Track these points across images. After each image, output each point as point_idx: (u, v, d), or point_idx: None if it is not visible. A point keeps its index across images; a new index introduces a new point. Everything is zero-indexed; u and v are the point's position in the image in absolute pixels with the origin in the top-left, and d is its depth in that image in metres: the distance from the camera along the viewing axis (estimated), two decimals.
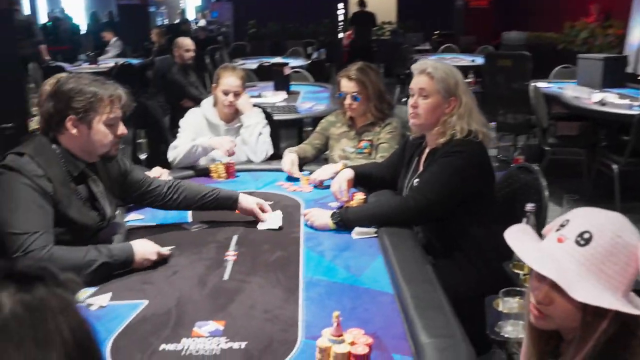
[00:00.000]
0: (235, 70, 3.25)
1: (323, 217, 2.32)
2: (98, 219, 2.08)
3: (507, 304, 1.86)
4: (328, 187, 2.69)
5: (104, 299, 1.76)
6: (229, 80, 3.17)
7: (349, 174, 2.57)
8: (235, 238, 2.23)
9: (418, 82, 2.36)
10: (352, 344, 1.41)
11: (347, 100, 3.03)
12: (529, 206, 2.14)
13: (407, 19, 14.99)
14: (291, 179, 2.95)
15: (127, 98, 2.05)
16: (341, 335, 1.42)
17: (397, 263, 1.94)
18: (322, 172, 2.82)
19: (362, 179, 2.64)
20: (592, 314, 1.12)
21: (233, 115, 3.27)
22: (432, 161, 2.32)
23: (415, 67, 2.42)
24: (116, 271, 1.91)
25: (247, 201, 2.36)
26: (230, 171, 3.00)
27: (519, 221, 2.22)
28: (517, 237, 1.25)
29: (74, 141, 1.99)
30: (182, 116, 3.33)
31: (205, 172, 3.00)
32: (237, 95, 3.20)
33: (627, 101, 5.03)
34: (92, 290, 1.82)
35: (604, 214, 1.17)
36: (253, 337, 1.56)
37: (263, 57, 9.20)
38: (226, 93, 3.18)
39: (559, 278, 1.12)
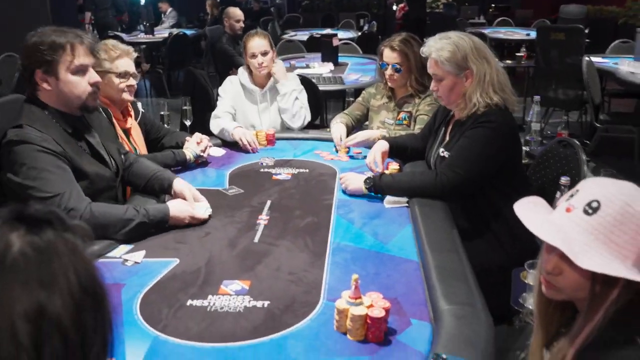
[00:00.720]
0: (258, 33, 3.26)
1: (357, 181, 2.34)
2: (107, 169, 2.12)
3: (533, 275, 1.83)
4: (364, 157, 2.69)
5: (139, 256, 1.83)
6: (253, 43, 3.20)
7: (384, 145, 2.56)
8: (268, 203, 2.26)
9: (429, 67, 2.34)
10: (370, 307, 1.41)
11: (389, 71, 3.00)
12: (563, 179, 2.09)
13: None
14: (329, 148, 2.95)
15: (90, 43, 2.00)
16: (359, 298, 1.43)
17: (425, 231, 1.93)
18: (358, 136, 2.82)
19: (397, 151, 2.62)
20: (601, 283, 1.09)
21: (267, 80, 3.28)
22: (459, 132, 2.28)
23: (422, 51, 2.36)
24: (152, 230, 1.97)
25: (179, 186, 2.19)
26: (270, 139, 3.03)
27: (551, 197, 2.19)
28: (526, 207, 1.23)
29: (50, 96, 1.99)
30: None
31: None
32: (264, 54, 3.20)
33: None
34: (129, 247, 1.89)
35: (615, 183, 1.13)
36: (276, 297, 1.59)
37: (314, 30, 9.16)
38: (254, 55, 3.19)
39: (565, 247, 1.09)
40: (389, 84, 3.06)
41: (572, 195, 1.16)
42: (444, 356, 1.27)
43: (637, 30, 5.93)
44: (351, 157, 2.85)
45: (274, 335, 1.43)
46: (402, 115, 3.08)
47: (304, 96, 3.32)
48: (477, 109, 2.22)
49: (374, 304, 1.42)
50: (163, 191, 2.23)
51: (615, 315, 1.09)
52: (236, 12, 5.70)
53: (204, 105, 4.06)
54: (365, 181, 2.30)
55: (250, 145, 2.92)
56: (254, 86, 3.28)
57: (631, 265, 1.07)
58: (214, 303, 1.57)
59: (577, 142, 2.44)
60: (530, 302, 1.73)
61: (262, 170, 2.67)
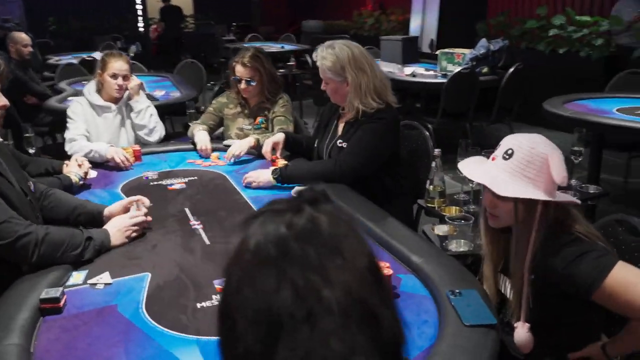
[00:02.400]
0: (121, 55, 3.12)
1: (264, 175, 2.45)
2: (23, 196, 1.90)
3: (441, 229, 2.16)
4: (239, 161, 2.82)
5: (106, 277, 1.68)
6: (116, 64, 3.04)
7: (281, 137, 2.71)
8: (187, 210, 2.22)
9: (320, 71, 2.54)
10: None
11: (243, 85, 3.09)
12: (437, 151, 2.46)
13: (205, 11, 14.84)
14: (201, 155, 2.94)
15: None
16: None
17: (355, 207, 2.12)
18: (238, 147, 2.85)
19: (294, 144, 2.77)
20: (522, 208, 1.45)
21: (117, 97, 3.12)
22: (355, 127, 2.50)
23: (313, 56, 2.58)
24: (97, 252, 1.81)
25: (110, 208, 2.06)
26: (137, 155, 2.89)
27: (419, 173, 2.59)
28: (466, 164, 1.58)
29: None
30: (27, 113, 3.09)
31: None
32: (125, 78, 3.07)
33: (432, 72, 5.73)
34: (83, 272, 1.71)
35: (524, 135, 1.52)
36: None
37: (78, 54, 8.55)
38: (115, 77, 3.03)
39: (490, 183, 1.45)
40: (244, 95, 3.14)
41: (495, 149, 1.50)
42: (458, 291, 1.49)
43: (381, 38, 6.88)
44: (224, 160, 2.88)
45: None
46: (259, 120, 3.19)
47: (155, 111, 3.23)
48: (367, 110, 2.45)
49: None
50: (92, 223, 2.01)
51: (551, 228, 1.44)
52: (22, 37, 5.07)
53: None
54: (273, 172, 2.41)
55: (125, 163, 2.76)
56: (108, 103, 3.08)
57: (542, 190, 1.43)
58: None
59: (418, 123, 2.87)
60: (452, 247, 2.04)
61: (152, 183, 2.56)
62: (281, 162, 2.63)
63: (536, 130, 2.83)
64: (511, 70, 5.27)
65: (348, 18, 11.24)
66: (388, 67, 6.05)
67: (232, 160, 2.82)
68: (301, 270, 0.65)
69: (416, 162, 2.84)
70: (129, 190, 2.45)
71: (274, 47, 9.51)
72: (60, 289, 1.55)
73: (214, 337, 1.30)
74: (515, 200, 1.46)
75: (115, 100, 3.11)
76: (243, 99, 3.20)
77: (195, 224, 2.08)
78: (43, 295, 1.50)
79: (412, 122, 2.93)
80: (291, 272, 0.65)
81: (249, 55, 3.11)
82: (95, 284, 1.65)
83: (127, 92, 3.13)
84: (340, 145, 2.55)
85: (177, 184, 2.54)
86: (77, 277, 1.69)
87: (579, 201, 1.51)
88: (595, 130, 3.66)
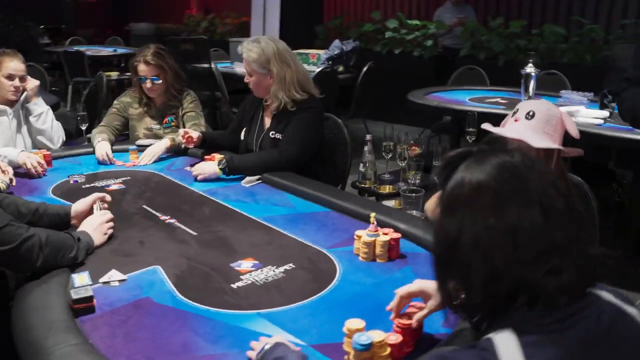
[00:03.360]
0: (16, 55, 2.85)
1: (209, 166, 2.50)
2: None
3: (388, 204, 2.40)
4: (163, 158, 2.82)
5: (117, 275, 1.62)
6: (12, 64, 2.79)
7: (197, 133, 2.72)
8: (148, 208, 2.17)
9: (244, 65, 2.63)
10: (385, 234, 1.74)
11: (148, 84, 3.02)
12: (368, 136, 2.71)
13: (8, 11, 13.39)
14: (118, 157, 2.83)
15: None
16: (377, 230, 1.74)
17: (316, 189, 2.27)
18: (154, 150, 2.79)
19: (210, 142, 2.77)
20: (544, 157, 1.76)
21: (15, 102, 2.86)
22: (286, 118, 2.62)
23: (238, 49, 2.66)
24: (87, 253, 1.73)
25: (78, 206, 1.93)
26: (48, 160, 2.68)
27: (336, 159, 2.81)
28: (495, 128, 1.82)
29: None
30: None
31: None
32: (22, 79, 2.82)
33: None
34: (84, 274, 1.62)
35: (538, 101, 1.83)
36: (285, 258, 1.72)
37: None
38: (11, 78, 2.78)
39: (524, 138, 1.72)
40: (150, 94, 3.07)
41: (514, 114, 1.78)
42: None
43: (230, 40, 6.99)
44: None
45: (329, 288, 1.61)
46: (167, 118, 3.14)
47: (53, 114, 3.00)
48: (293, 101, 2.59)
49: (387, 233, 1.75)
50: (57, 225, 1.85)
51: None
52: None
53: None
54: (219, 164, 2.45)
55: (37, 169, 2.54)
56: (2, 106, 2.79)
57: (558, 143, 1.76)
58: (253, 278, 1.60)
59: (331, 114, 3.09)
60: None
61: (85, 186, 2.42)
62: (218, 157, 2.65)
63: (383, 124, 3.20)
64: (365, 69, 5.74)
65: (178, 21, 11.06)
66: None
67: (149, 162, 2.76)
68: (538, 185, 0.85)
69: (334, 150, 3.05)
70: (63, 194, 2.30)
71: (104, 50, 9.04)
72: (89, 287, 1.48)
73: (272, 309, 1.39)
74: (538, 153, 1.72)
75: (11, 104, 2.84)
76: (148, 98, 3.12)
77: (167, 218, 2.06)
78: (75, 296, 1.42)
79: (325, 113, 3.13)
80: (533, 188, 0.84)
81: (151, 52, 3.05)
82: (109, 282, 1.59)
83: (23, 95, 2.87)
84: (273, 136, 2.65)
85: (114, 184, 2.44)
86: (81, 279, 1.59)
87: (582, 153, 1.84)
88: (457, 116, 4.23)
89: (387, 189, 2.67)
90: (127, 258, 1.74)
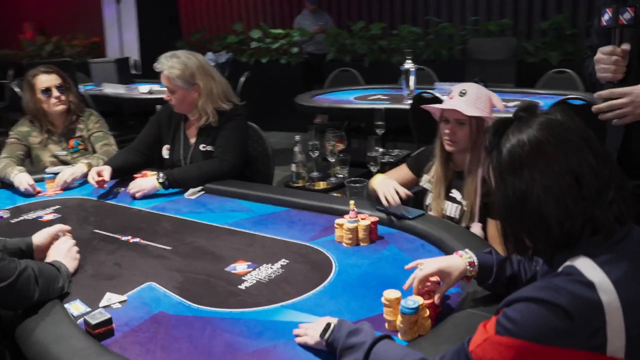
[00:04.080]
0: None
1: (147, 182, 2.45)
2: None
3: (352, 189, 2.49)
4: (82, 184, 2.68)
5: (115, 297, 1.56)
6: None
7: (108, 169, 2.52)
8: (101, 232, 2.08)
9: (162, 82, 2.60)
10: (364, 219, 1.86)
11: (54, 94, 2.86)
12: (297, 137, 2.80)
13: None
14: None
15: None
16: (357, 217, 1.86)
17: (267, 191, 2.33)
18: (66, 175, 2.61)
19: (120, 171, 2.60)
20: (475, 129, 2.00)
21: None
22: (215, 130, 2.61)
23: (155, 67, 2.61)
24: (69, 282, 1.64)
25: (40, 237, 1.79)
26: None
27: (259, 164, 2.89)
28: (429, 105, 2.04)
29: None
30: None
31: None
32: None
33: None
34: (76, 302, 1.54)
35: (469, 83, 2.07)
36: (275, 255, 1.78)
37: None
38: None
39: (458, 108, 1.96)
40: (55, 109, 2.88)
41: (449, 94, 2.02)
42: (410, 217, 1.91)
43: (90, 61, 6.68)
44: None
45: (332, 273, 1.70)
46: (73, 142, 2.97)
47: None
48: (219, 112, 2.60)
49: (366, 218, 1.87)
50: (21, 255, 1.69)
51: None
52: None
53: None
54: (159, 178, 2.41)
55: None
56: None
57: (489, 117, 2.01)
58: (258, 278, 1.64)
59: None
60: None
61: (13, 220, 2.24)
62: (150, 173, 2.59)
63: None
64: (242, 79, 5.81)
65: (14, 47, 10.21)
66: (117, 89, 5.95)
67: (69, 182, 2.61)
68: (581, 133, 1.05)
69: (256, 155, 3.10)
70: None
71: None
72: (103, 311, 1.42)
73: (292, 299, 1.46)
74: (470, 125, 1.99)
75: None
76: (50, 122, 2.93)
77: (129, 238, 1.99)
78: (93, 321, 1.36)
79: None
80: (579, 135, 1.04)
81: (45, 65, 2.93)
82: (109, 305, 1.53)
83: None
84: (204, 149, 2.64)
85: (47, 215, 2.29)
86: (76, 307, 1.52)
87: None
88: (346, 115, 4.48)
89: (321, 185, 2.79)
90: (112, 281, 1.68)
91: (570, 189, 1.00)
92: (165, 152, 2.76)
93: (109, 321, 1.39)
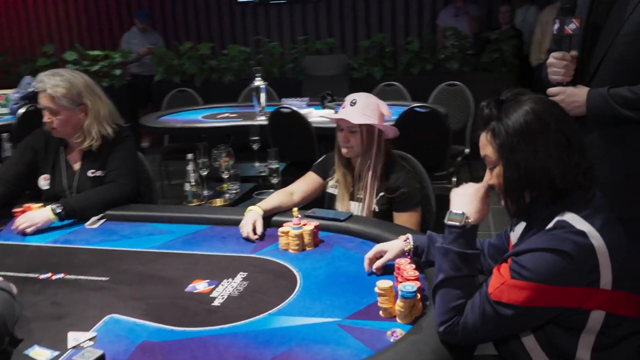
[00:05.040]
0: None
1: (41, 215, 2.22)
2: None
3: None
4: None
5: (80, 336, 1.41)
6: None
7: None
8: (7, 274, 1.83)
9: (43, 102, 2.38)
10: (305, 225, 1.93)
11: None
12: (189, 155, 2.75)
13: None
14: None
15: None
16: (299, 224, 1.91)
17: (179, 211, 2.26)
18: None
19: None
20: (366, 137, 2.20)
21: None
22: (105, 151, 2.45)
23: (37, 86, 2.38)
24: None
25: None
26: None
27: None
28: (323, 112, 2.20)
29: None
30: None
31: None
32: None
33: None
34: (35, 347, 1.38)
35: (359, 93, 2.26)
36: (229, 270, 1.76)
37: None
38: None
39: (345, 116, 2.16)
40: None
41: (341, 104, 2.20)
42: (342, 219, 2.04)
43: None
44: None
45: (299, 278, 1.75)
46: None
47: None
48: (103, 135, 2.44)
49: (307, 223, 1.94)
50: None
51: (386, 156, 2.23)
52: None
53: None
54: (53, 209, 2.22)
55: None
56: None
57: (377, 122, 2.21)
58: (226, 293, 1.61)
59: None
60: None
61: None
62: (35, 205, 2.33)
63: None
64: None
65: None
66: None
67: None
68: (558, 109, 1.30)
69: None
70: None
71: None
72: (92, 349, 1.29)
73: (276, 307, 1.49)
74: (361, 132, 2.17)
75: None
76: None
77: (49, 276, 1.80)
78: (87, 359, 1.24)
79: None
80: (553, 118, 1.27)
81: None
82: (79, 345, 1.39)
83: None
84: (93, 174, 2.45)
85: None
86: (39, 353, 1.35)
87: (398, 132, 2.28)
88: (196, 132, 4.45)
89: (217, 202, 2.77)
90: (63, 320, 1.51)
91: (565, 147, 1.25)
92: (43, 183, 2.50)
93: (102, 357, 1.27)
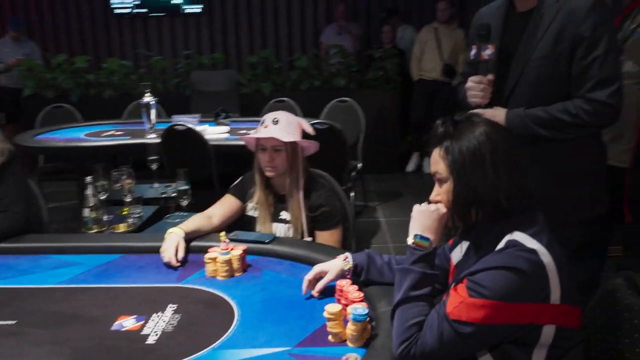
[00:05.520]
0: None
1: None
2: None
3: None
4: None
5: None
6: None
7: None
8: None
9: None
10: (232, 249, 1.85)
11: None
12: (89, 178, 2.54)
13: None
14: None
15: None
16: (227, 249, 1.83)
17: (85, 240, 2.08)
18: None
19: None
20: (291, 153, 2.19)
21: None
22: None
23: None
24: None
25: None
26: None
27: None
28: (252, 135, 2.16)
29: None
30: None
31: None
32: None
33: None
34: None
35: (278, 112, 2.24)
36: (157, 303, 1.65)
37: None
38: None
39: (273, 135, 2.14)
40: None
41: (262, 123, 2.18)
42: (267, 241, 2.00)
43: None
44: None
45: (235, 306, 1.67)
46: None
47: None
48: None
49: (235, 248, 1.86)
50: None
51: (308, 173, 2.22)
52: None
53: None
54: None
55: None
56: None
57: (300, 140, 2.20)
58: (159, 329, 1.49)
59: None
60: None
61: None
62: None
63: None
64: None
65: None
66: None
67: None
68: (507, 138, 1.35)
69: None
70: None
71: None
72: None
73: (218, 341, 1.43)
74: (287, 150, 2.15)
75: None
76: None
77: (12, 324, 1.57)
78: None
79: None
80: (504, 142, 1.33)
81: None
82: None
83: None
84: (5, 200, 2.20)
85: None
86: None
87: (318, 147, 2.26)
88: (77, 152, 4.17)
89: (120, 227, 2.57)
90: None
91: (513, 170, 1.31)
92: None
93: None
